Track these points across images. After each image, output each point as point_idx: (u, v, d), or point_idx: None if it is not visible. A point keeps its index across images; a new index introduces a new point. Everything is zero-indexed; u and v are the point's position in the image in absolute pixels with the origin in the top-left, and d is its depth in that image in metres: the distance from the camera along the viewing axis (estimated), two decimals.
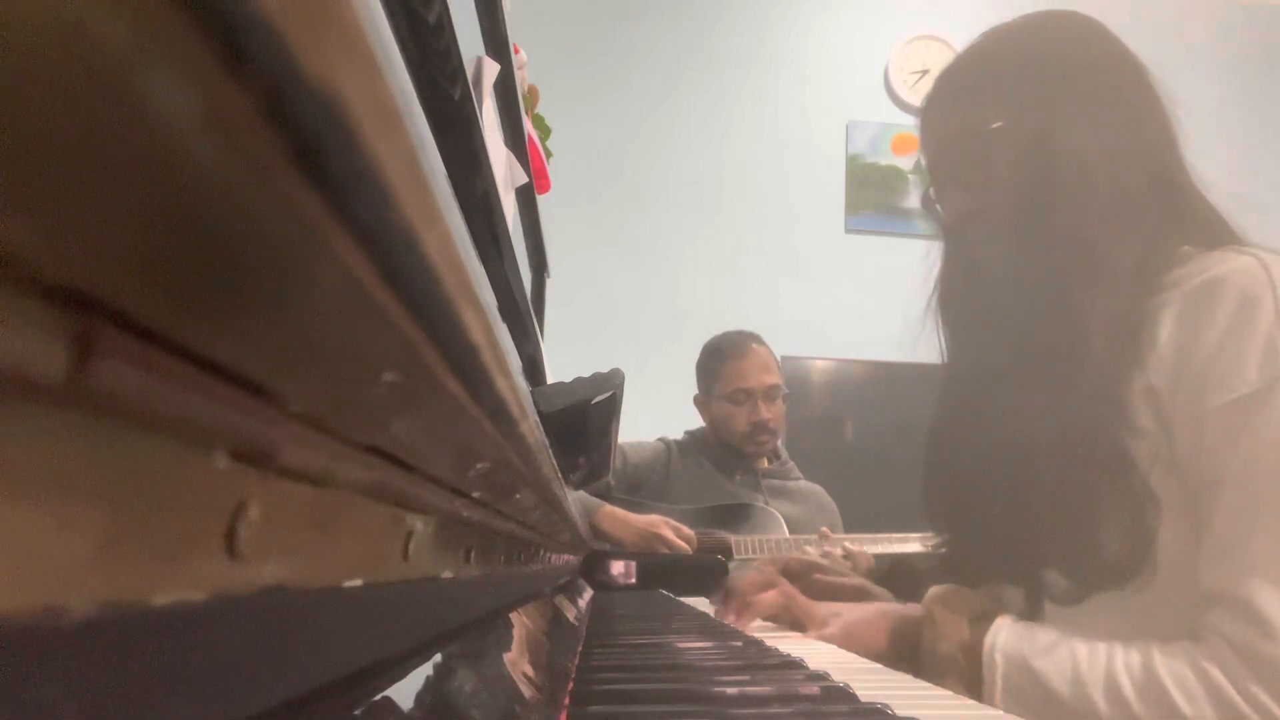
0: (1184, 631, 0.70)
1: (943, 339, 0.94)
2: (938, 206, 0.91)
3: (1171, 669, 0.67)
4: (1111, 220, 0.78)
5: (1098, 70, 0.83)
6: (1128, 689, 0.68)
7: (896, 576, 1.13)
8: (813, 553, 1.68)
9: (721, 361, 1.89)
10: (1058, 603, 0.77)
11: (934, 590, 0.85)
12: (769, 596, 0.94)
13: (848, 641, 0.84)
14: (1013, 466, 0.80)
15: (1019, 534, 0.80)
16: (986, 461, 0.84)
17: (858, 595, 1.04)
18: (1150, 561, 0.72)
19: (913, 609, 0.86)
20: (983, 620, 0.78)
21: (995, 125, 0.83)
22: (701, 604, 1.25)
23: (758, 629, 0.92)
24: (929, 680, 0.76)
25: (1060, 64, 0.83)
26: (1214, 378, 0.69)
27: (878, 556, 1.72)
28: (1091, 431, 0.74)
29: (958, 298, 0.92)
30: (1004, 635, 0.76)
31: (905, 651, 0.83)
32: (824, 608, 0.92)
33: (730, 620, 0.95)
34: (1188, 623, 0.70)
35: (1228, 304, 0.70)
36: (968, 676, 0.76)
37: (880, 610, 0.89)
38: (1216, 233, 0.80)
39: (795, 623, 0.93)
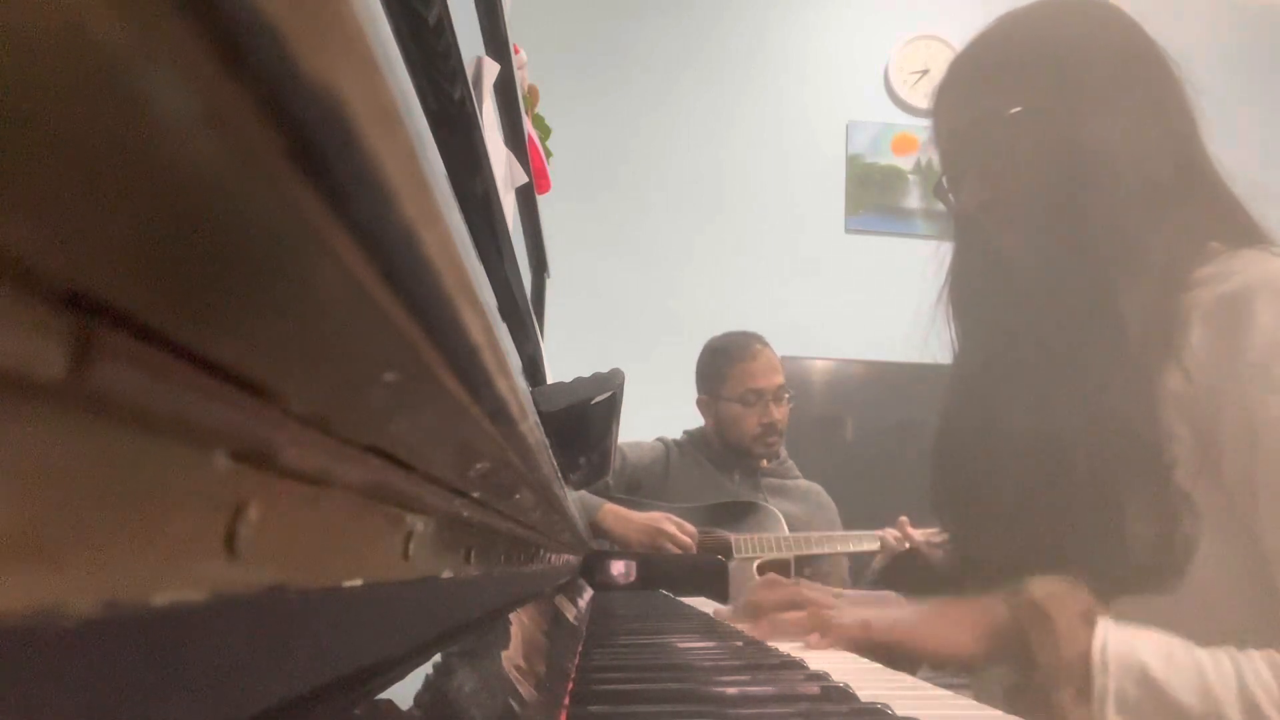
0: (1216, 641, 0.67)
1: (954, 332, 0.91)
2: (951, 196, 0.88)
3: None
4: (1142, 210, 0.75)
5: (1119, 56, 0.80)
6: (1265, 702, 0.63)
7: (901, 571, 1.09)
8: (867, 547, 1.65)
9: (730, 363, 1.88)
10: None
11: (1042, 582, 0.71)
12: (795, 618, 0.82)
13: (914, 639, 0.73)
14: (1034, 461, 0.77)
15: (1042, 531, 0.77)
16: (1004, 456, 0.81)
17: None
18: (1182, 566, 0.68)
19: (992, 602, 0.73)
20: (1089, 618, 0.69)
21: (1015, 111, 0.80)
22: (702, 604, 1.25)
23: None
24: (1041, 688, 0.67)
25: (1081, 49, 0.80)
26: (1266, 386, 0.66)
27: (851, 556, 1.72)
28: (1121, 426, 0.71)
29: (974, 289, 0.89)
30: (1114, 637, 0.67)
31: (1007, 654, 0.71)
32: (856, 610, 0.79)
33: (745, 627, 0.86)
34: (1221, 636, 0.67)
35: (1269, 310, 0.67)
36: (1080, 685, 0.67)
37: (950, 605, 0.76)
38: (1243, 228, 0.77)
39: (839, 634, 0.77)
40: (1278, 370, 0.66)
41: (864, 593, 1.02)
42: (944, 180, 0.89)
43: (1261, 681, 0.63)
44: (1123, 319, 0.73)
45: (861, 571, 1.79)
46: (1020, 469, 0.79)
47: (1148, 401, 0.71)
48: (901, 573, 1.06)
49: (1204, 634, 0.68)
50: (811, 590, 0.88)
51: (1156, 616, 0.70)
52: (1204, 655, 0.65)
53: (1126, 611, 0.70)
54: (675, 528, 1.64)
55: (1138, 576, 0.70)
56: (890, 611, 0.78)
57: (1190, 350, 0.71)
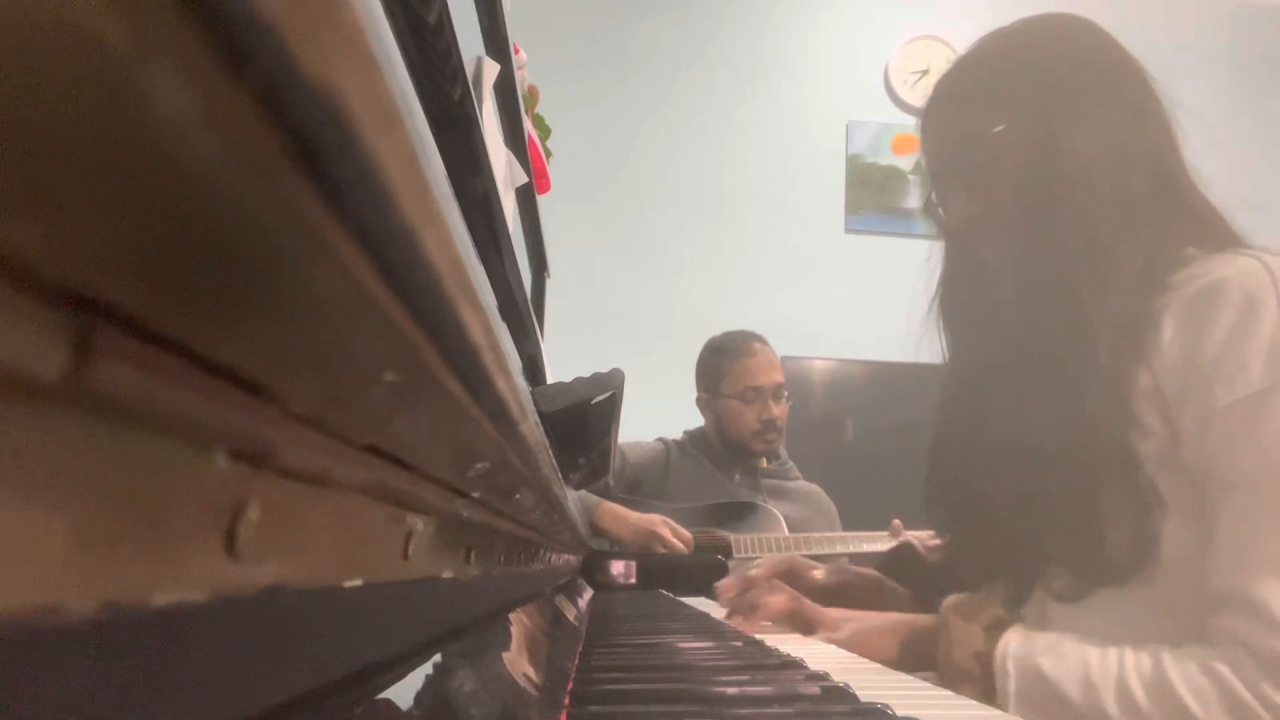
0: (1186, 631, 0.70)
1: (945, 341, 0.94)
2: (940, 211, 0.91)
3: (1182, 671, 0.68)
4: (1116, 221, 0.78)
5: (1098, 72, 0.83)
6: (1139, 692, 0.68)
7: (900, 563, 1.11)
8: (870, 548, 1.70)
9: (730, 360, 1.89)
10: (1059, 599, 0.78)
11: (950, 599, 0.84)
12: (778, 600, 0.94)
13: (857, 648, 0.84)
14: (1018, 464, 0.80)
15: (1023, 531, 0.81)
16: (990, 460, 0.84)
17: (866, 586, 1.04)
18: (1153, 560, 0.72)
19: (925, 618, 0.85)
20: (997, 628, 0.79)
21: (998, 129, 0.83)
22: (702, 604, 1.25)
23: (758, 629, 0.92)
24: (948, 686, 0.76)
25: (1060, 66, 0.83)
26: (1219, 379, 0.69)
27: (851, 557, 1.73)
28: (1097, 429, 0.74)
29: (961, 300, 0.92)
30: (1015, 642, 0.76)
31: (918, 661, 0.83)
32: (834, 613, 0.91)
33: (737, 623, 0.94)
34: (1191, 623, 0.70)
35: (1231, 306, 0.70)
36: (982, 684, 0.77)
37: (892, 620, 0.89)
38: (1220, 235, 0.80)
39: (804, 626, 0.93)
40: (1230, 365, 0.69)
41: (856, 570, 1.09)
42: (932, 196, 0.92)
43: (1140, 672, 0.69)
44: (1097, 325, 0.75)
45: None
46: (1005, 472, 0.82)
47: (1121, 403, 0.74)
48: (899, 564, 1.10)
49: (1182, 627, 0.70)
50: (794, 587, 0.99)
51: (1136, 612, 0.73)
52: (1093, 652, 0.72)
53: (1107, 609, 0.75)
54: (670, 531, 1.64)
55: (1112, 571, 0.74)
56: (839, 620, 0.90)
57: (1161, 347, 0.73)
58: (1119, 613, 0.74)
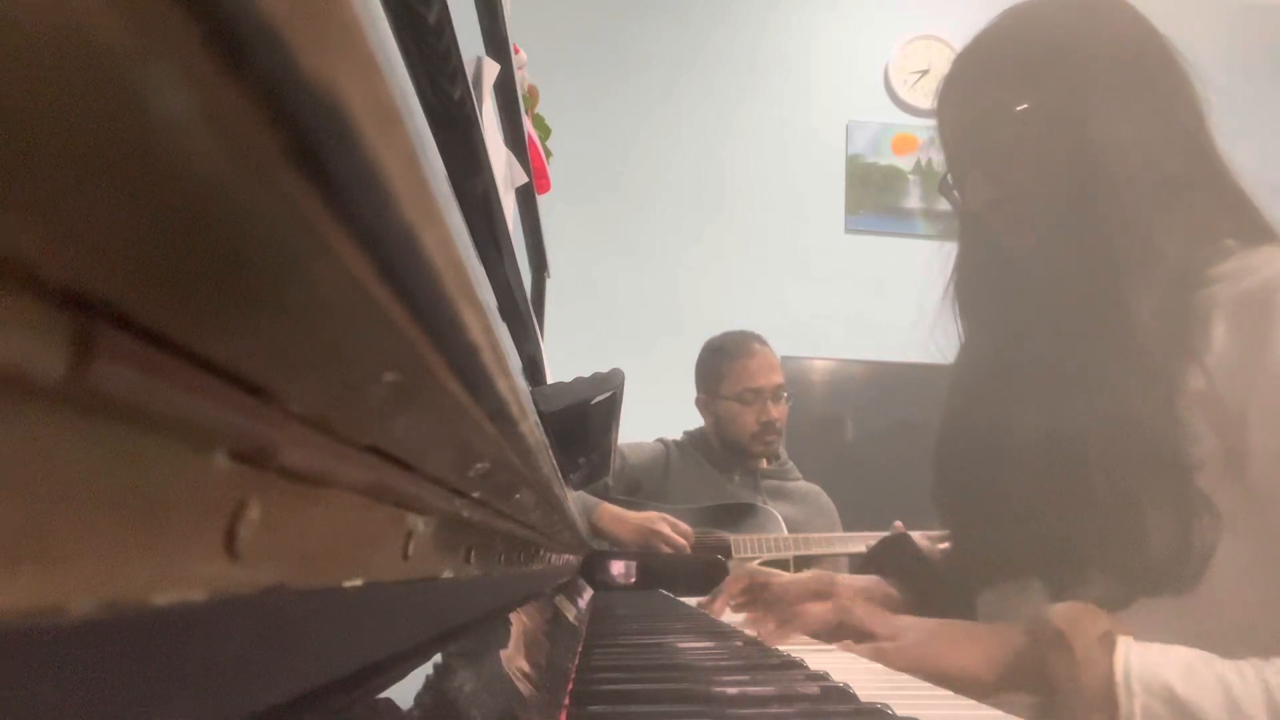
0: (1233, 645, 0.65)
1: (960, 330, 0.90)
2: (955, 193, 0.87)
3: None
4: (1154, 206, 0.74)
5: (1127, 51, 0.79)
6: None
7: (893, 555, 1.02)
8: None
9: (729, 361, 1.89)
10: (1099, 607, 0.70)
11: (1060, 609, 0.70)
12: (819, 609, 0.83)
13: (929, 658, 0.72)
14: (1046, 460, 0.76)
15: (1053, 530, 0.76)
16: (1012, 453, 0.79)
17: (823, 590, 0.90)
18: (1202, 568, 0.67)
19: (1010, 629, 0.73)
20: (1105, 642, 0.67)
21: (1023, 107, 0.79)
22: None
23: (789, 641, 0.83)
24: (1063, 714, 0.66)
25: (1088, 44, 0.79)
26: None
27: (850, 558, 1.72)
28: (1140, 427, 0.70)
29: (980, 286, 0.88)
30: (1135, 659, 0.66)
31: (1024, 683, 0.70)
32: (895, 619, 0.79)
33: (765, 633, 0.83)
34: (1241, 637, 0.66)
35: None
36: (1107, 710, 0.65)
37: (979, 629, 0.76)
38: (1256, 225, 0.76)
39: (854, 635, 0.80)
40: None
41: (853, 578, 1.00)
42: (949, 177, 0.88)
43: None
44: (1137, 317, 0.71)
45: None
46: (1029, 467, 0.78)
47: (1166, 401, 0.70)
48: (890, 558, 1.01)
49: (1225, 640, 0.66)
50: (836, 588, 0.88)
51: (1176, 621, 0.68)
52: (1227, 668, 0.64)
53: (1146, 617, 0.69)
54: (669, 528, 1.65)
55: (1156, 578, 0.68)
56: (903, 627, 0.77)
57: (1212, 349, 0.69)
58: (1161, 622, 0.68)
